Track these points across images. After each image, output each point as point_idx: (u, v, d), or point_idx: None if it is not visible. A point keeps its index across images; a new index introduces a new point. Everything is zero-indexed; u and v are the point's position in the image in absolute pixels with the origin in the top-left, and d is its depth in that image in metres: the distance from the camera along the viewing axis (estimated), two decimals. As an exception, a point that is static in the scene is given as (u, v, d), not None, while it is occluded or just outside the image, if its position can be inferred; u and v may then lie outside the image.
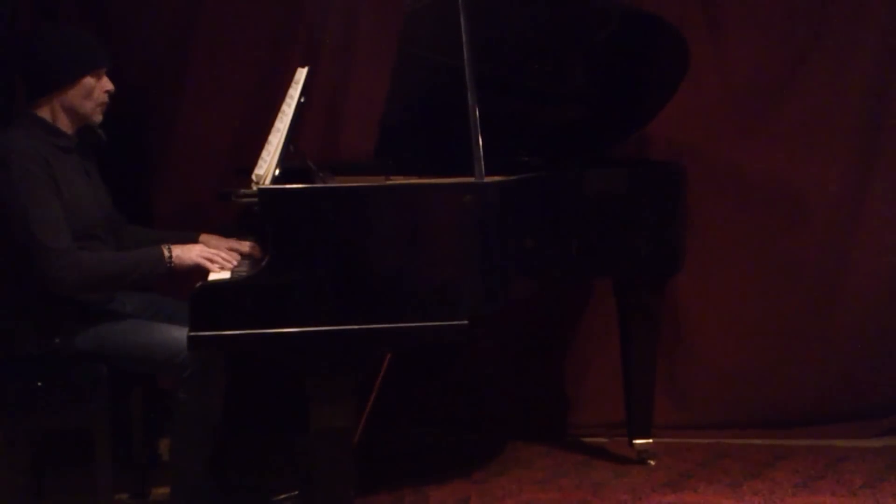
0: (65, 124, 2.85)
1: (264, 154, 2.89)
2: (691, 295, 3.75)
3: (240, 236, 3.11)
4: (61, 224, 2.70)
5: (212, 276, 2.69)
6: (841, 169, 3.71)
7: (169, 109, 3.65)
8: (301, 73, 2.91)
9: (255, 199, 2.70)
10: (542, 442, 3.64)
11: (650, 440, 3.44)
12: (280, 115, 2.90)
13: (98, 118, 2.89)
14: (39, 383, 2.77)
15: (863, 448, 3.58)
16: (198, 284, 2.51)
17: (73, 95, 2.82)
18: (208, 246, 2.90)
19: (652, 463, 3.43)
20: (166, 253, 2.76)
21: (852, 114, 3.69)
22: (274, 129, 2.90)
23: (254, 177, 2.89)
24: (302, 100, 2.86)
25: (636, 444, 3.44)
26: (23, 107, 2.87)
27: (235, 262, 2.81)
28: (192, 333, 2.47)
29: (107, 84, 2.88)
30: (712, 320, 3.77)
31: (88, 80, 2.83)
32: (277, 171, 2.78)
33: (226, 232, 3.18)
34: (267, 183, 2.76)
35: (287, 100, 2.91)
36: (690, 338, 3.79)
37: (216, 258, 2.77)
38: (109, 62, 2.89)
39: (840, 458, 3.48)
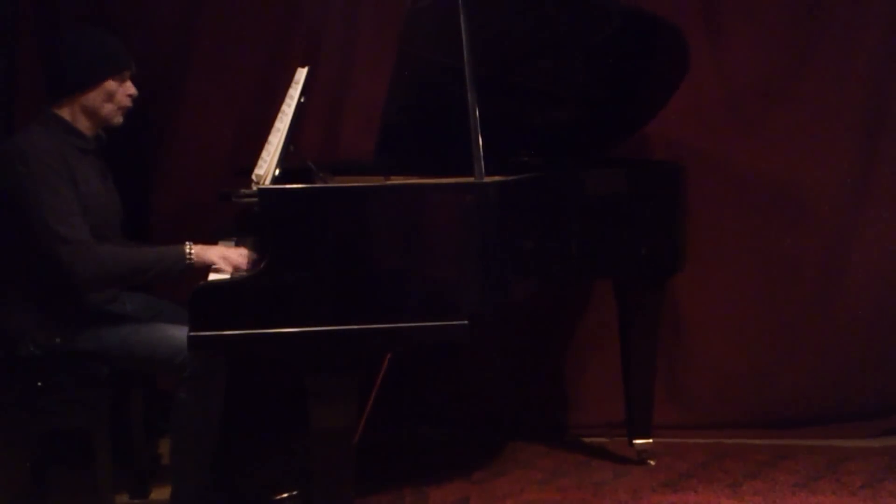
0: (84, 126, 2.85)
1: (264, 154, 2.90)
2: (691, 295, 3.75)
3: (240, 236, 3.12)
4: (79, 217, 2.70)
5: (211, 277, 2.69)
6: (841, 169, 3.71)
7: (169, 110, 3.65)
8: (301, 73, 2.91)
9: (255, 199, 2.71)
10: (542, 442, 3.64)
11: (650, 440, 3.44)
12: (280, 115, 2.90)
13: (118, 121, 2.90)
14: (39, 383, 2.77)
15: (863, 448, 3.58)
16: (198, 284, 2.51)
17: (95, 98, 2.83)
18: (226, 249, 2.90)
19: (652, 463, 3.43)
20: (187, 249, 2.75)
21: (852, 114, 3.69)
22: (274, 129, 2.90)
23: (254, 177, 2.89)
24: (302, 100, 2.86)
25: (636, 444, 3.44)
26: (44, 105, 2.87)
27: (249, 266, 2.80)
28: (192, 333, 2.46)
29: (130, 88, 2.89)
30: (712, 320, 3.77)
31: (111, 84, 2.84)
32: (277, 172, 2.79)
33: (226, 232, 3.18)
34: (267, 183, 2.76)
35: (287, 100, 2.91)
36: (690, 338, 3.79)
37: (233, 261, 2.76)
38: (133, 66, 2.90)
39: (840, 458, 3.48)
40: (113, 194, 2.96)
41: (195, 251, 2.76)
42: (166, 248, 2.82)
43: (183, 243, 2.78)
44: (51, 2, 3.57)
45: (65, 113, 2.83)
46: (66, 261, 2.65)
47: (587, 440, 3.70)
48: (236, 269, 2.73)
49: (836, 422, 3.73)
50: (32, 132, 2.79)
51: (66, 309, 2.80)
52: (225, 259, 2.75)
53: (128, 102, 2.89)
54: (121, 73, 2.86)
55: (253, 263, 2.83)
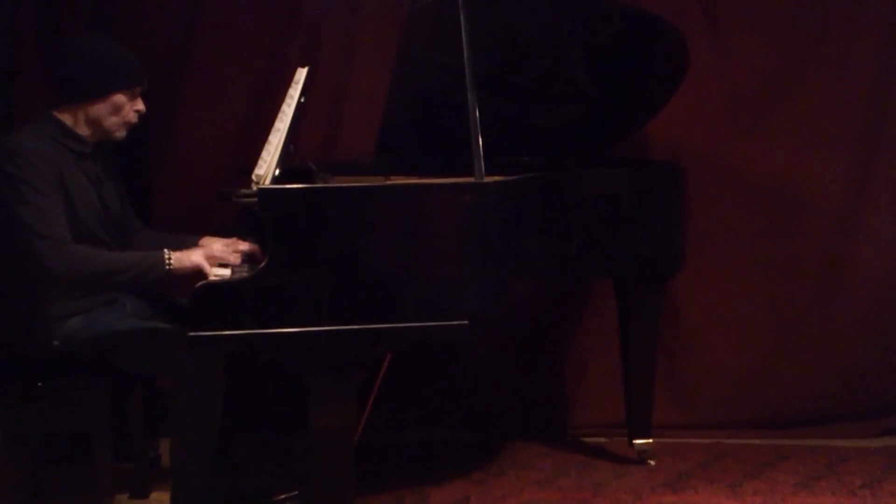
0: (84, 132, 2.84)
1: (264, 154, 2.89)
2: (691, 295, 3.75)
3: (240, 236, 3.11)
4: (59, 216, 2.68)
5: (212, 276, 2.69)
6: (841, 169, 3.72)
7: (169, 109, 3.65)
8: (301, 73, 2.91)
9: (255, 199, 2.70)
10: (542, 442, 3.64)
11: (650, 440, 3.44)
12: (280, 115, 2.90)
13: (121, 135, 2.88)
14: (39, 383, 2.77)
15: (863, 448, 3.58)
16: (198, 284, 2.51)
17: (100, 109, 2.81)
18: (208, 247, 2.89)
19: (652, 463, 3.43)
20: (165, 256, 2.72)
21: (852, 114, 3.70)
22: (274, 129, 2.90)
23: (254, 177, 2.89)
24: (302, 100, 2.85)
25: (636, 444, 3.44)
26: (44, 106, 2.85)
27: (234, 259, 2.79)
28: (193, 333, 2.46)
29: (139, 104, 2.87)
30: (712, 320, 3.77)
31: (119, 97, 2.82)
32: (277, 171, 2.78)
33: (226, 232, 3.18)
34: (267, 183, 2.76)
35: (287, 100, 2.91)
36: (690, 338, 3.79)
37: (218, 256, 2.75)
38: (146, 83, 2.88)
39: (840, 458, 3.48)
40: (112, 199, 2.94)
41: (174, 257, 2.71)
42: (146, 253, 2.80)
43: (162, 249, 2.75)
44: (53, 1, 3.56)
45: (66, 117, 2.82)
46: (40, 256, 2.63)
47: (587, 440, 3.70)
48: (226, 263, 2.70)
49: (836, 422, 3.73)
50: (25, 132, 2.77)
51: (65, 310, 2.79)
52: (210, 258, 2.72)
53: (134, 118, 2.88)
54: (132, 88, 2.85)
55: (251, 262, 2.83)
